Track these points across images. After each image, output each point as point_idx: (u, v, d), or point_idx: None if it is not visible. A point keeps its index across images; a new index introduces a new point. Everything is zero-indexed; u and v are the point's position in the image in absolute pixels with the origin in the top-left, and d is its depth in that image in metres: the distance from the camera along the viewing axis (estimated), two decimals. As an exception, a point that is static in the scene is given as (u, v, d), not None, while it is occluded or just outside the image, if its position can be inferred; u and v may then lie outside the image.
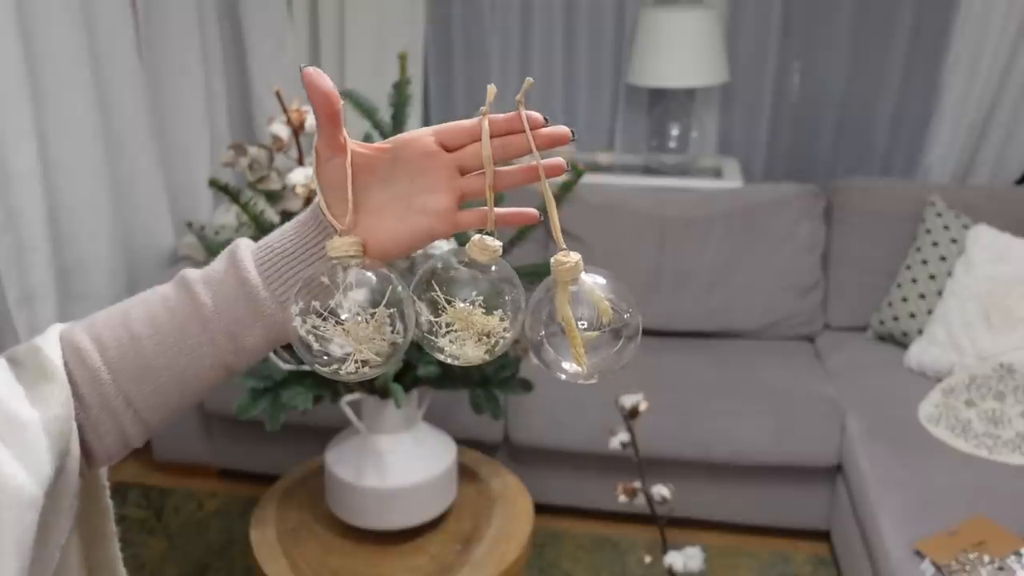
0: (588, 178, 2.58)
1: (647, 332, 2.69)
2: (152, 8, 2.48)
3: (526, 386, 1.74)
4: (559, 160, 0.63)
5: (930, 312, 2.30)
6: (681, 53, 2.64)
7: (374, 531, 1.68)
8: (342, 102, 0.61)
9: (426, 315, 0.62)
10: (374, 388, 1.57)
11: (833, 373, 2.31)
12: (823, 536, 2.28)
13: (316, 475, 1.90)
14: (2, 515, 0.54)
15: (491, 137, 0.62)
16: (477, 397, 1.70)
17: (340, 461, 1.67)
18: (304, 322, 0.61)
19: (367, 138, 1.61)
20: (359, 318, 0.60)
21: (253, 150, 1.36)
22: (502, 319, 0.62)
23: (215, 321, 0.64)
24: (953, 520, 1.73)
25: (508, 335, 0.63)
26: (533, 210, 0.67)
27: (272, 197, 1.42)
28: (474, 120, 0.63)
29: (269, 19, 2.78)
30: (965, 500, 1.79)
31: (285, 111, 1.35)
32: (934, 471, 1.89)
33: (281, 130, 1.35)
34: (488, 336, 0.62)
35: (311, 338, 0.61)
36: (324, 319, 0.60)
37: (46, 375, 0.61)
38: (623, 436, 1.70)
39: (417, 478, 1.64)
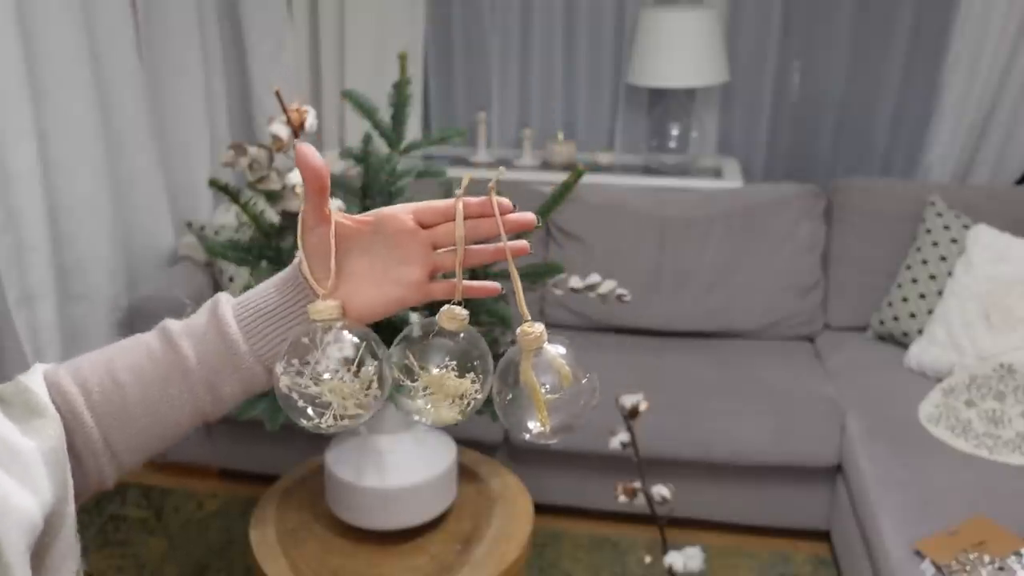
0: (588, 178, 2.57)
1: (647, 332, 2.69)
2: (152, 8, 2.48)
3: (526, 386, 1.74)
4: (524, 243, 0.70)
5: (930, 312, 2.29)
6: (681, 53, 2.64)
7: (374, 531, 1.68)
8: (329, 174, 0.66)
9: (402, 378, 0.68)
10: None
11: (833, 373, 2.31)
12: (823, 536, 2.28)
13: (316, 475, 1.90)
14: (11, 535, 0.55)
15: (464, 219, 0.68)
16: (477, 397, 1.70)
17: (340, 461, 1.67)
18: (290, 379, 0.65)
19: (366, 140, 1.61)
20: (340, 375, 0.65)
21: (253, 150, 1.36)
22: (474, 381, 0.68)
23: (196, 372, 0.68)
24: (953, 520, 1.72)
25: (480, 396, 0.68)
26: (495, 284, 0.72)
27: (272, 197, 1.42)
28: (449, 201, 0.69)
29: (269, 19, 2.78)
30: (965, 500, 1.79)
31: (285, 111, 1.34)
32: (934, 471, 1.89)
33: (281, 130, 1.35)
34: (462, 398, 0.68)
35: (295, 395, 0.65)
36: (308, 376, 0.65)
37: (36, 411, 0.63)
38: (623, 436, 1.70)
39: (417, 478, 1.64)
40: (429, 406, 0.68)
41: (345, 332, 0.67)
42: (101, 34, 2.27)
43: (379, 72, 2.89)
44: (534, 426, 0.67)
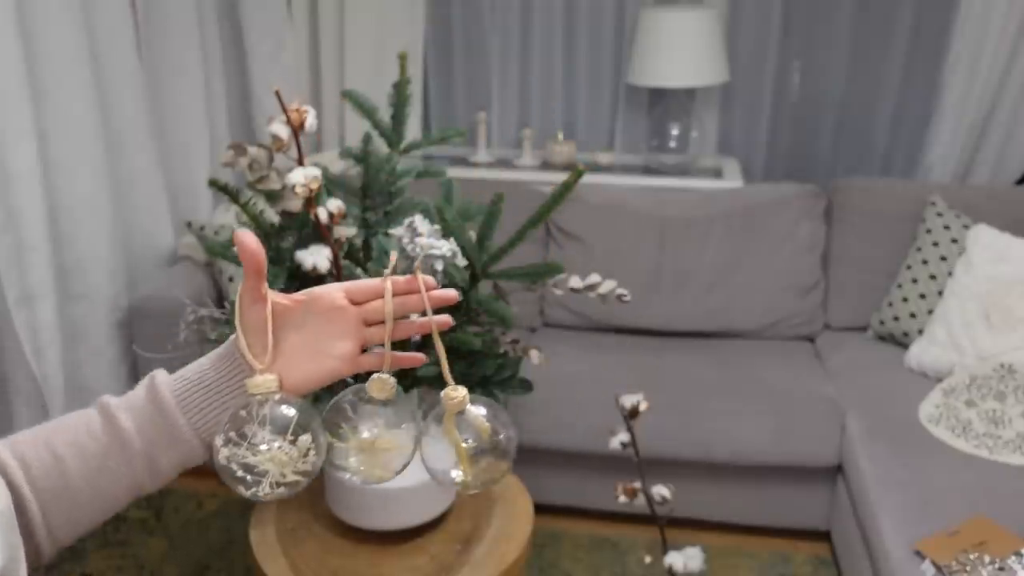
0: (588, 178, 2.57)
1: (647, 332, 2.68)
2: (152, 8, 2.48)
3: (526, 386, 1.74)
4: (447, 317, 0.78)
5: (930, 312, 2.29)
6: (681, 53, 2.64)
7: (374, 531, 1.68)
8: (265, 256, 0.70)
9: (335, 442, 0.74)
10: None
11: (833, 373, 2.31)
12: (823, 536, 2.28)
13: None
14: None
15: (392, 296, 0.75)
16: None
17: (340, 461, 1.67)
18: (229, 451, 0.69)
19: (366, 140, 1.61)
20: (277, 445, 0.69)
21: (253, 150, 1.36)
22: (398, 438, 0.75)
23: (135, 446, 0.70)
24: (953, 520, 1.72)
25: (407, 454, 0.76)
26: (420, 354, 0.79)
27: (272, 197, 1.42)
28: (378, 280, 0.76)
29: (269, 19, 2.78)
30: (965, 500, 1.79)
31: (285, 111, 1.34)
32: (934, 471, 1.89)
33: (281, 130, 1.35)
34: (392, 455, 0.75)
35: (234, 465, 0.69)
36: (246, 448, 0.69)
37: None
38: (623, 436, 1.70)
39: (417, 478, 1.64)
40: (361, 467, 0.74)
41: (282, 404, 0.71)
42: (101, 34, 2.27)
43: (379, 72, 2.89)
44: (456, 475, 0.75)
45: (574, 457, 2.26)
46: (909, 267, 2.37)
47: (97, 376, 2.42)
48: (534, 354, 1.64)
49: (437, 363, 1.58)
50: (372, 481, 0.75)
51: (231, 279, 2.41)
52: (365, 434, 0.74)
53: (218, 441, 0.69)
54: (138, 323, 2.36)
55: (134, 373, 2.52)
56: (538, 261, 2.22)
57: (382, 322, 0.75)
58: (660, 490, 1.66)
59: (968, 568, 1.59)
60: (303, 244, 1.47)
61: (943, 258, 2.31)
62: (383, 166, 1.61)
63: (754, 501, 2.25)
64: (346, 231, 1.54)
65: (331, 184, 1.63)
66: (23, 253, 2.08)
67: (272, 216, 1.48)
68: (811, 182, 2.63)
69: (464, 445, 0.75)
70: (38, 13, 2.07)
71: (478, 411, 0.76)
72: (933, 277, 2.31)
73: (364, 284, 0.75)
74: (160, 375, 0.73)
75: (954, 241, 2.31)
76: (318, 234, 1.45)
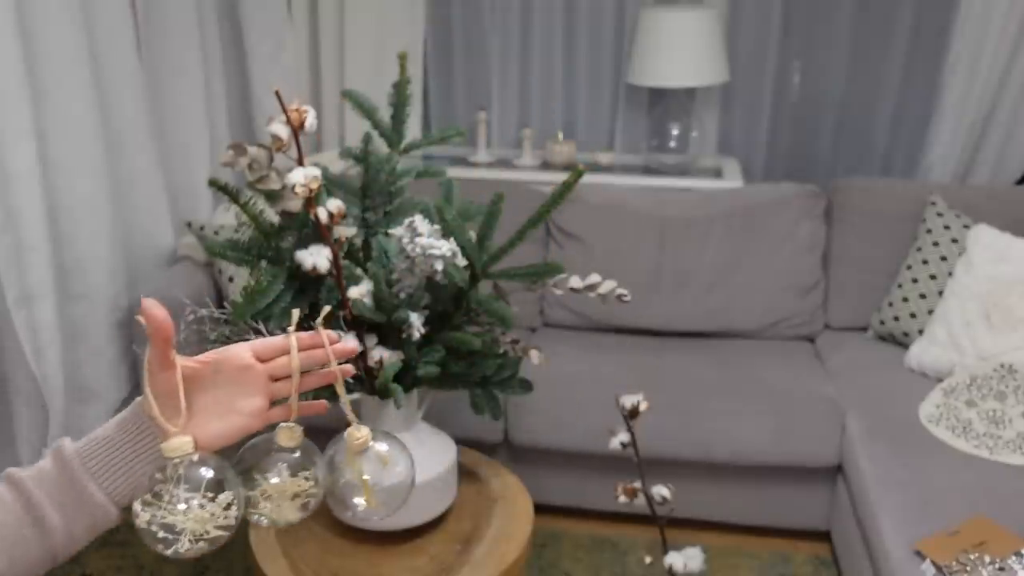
0: (588, 178, 2.57)
1: (647, 332, 2.68)
2: (152, 8, 2.48)
3: (526, 386, 1.74)
4: (349, 367, 0.83)
5: (931, 312, 2.29)
6: (681, 53, 2.64)
7: (374, 531, 1.68)
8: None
9: (249, 492, 0.79)
10: (374, 388, 1.57)
11: (833, 373, 2.31)
12: (823, 536, 2.28)
13: (316, 475, 1.89)
14: None
15: (297, 351, 0.80)
16: (477, 397, 1.70)
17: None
18: (149, 514, 0.72)
19: (366, 140, 1.61)
20: (197, 504, 0.72)
21: (253, 150, 1.36)
22: (307, 479, 0.81)
23: (47, 514, 0.71)
24: (954, 520, 1.72)
25: (317, 493, 0.82)
26: (323, 401, 0.85)
27: (272, 197, 1.42)
28: (283, 337, 0.81)
29: (269, 19, 2.77)
30: (966, 500, 1.79)
31: (284, 111, 1.34)
32: (935, 471, 1.89)
33: (281, 130, 1.35)
34: (301, 496, 0.81)
35: (154, 527, 0.72)
36: (166, 509, 0.72)
37: None
38: (623, 436, 1.70)
39: (417, 478, 1.64)
40: (273, 513, 0.80)
41: (199, 464, 0.74)
42: (101, 34, 2.27)
43: (379, 72, 2.88)
44: (359, 502, 0.84)
45: (574, 457, 2.26)
46: (909, 267, 2.37)
47: (97, 376, 2.42)
48: (534, 354, 1.64)
49: (437, 364, 1.58)
50: (285, 522, 0.81)
51: (231, 279, 2.41)
52: (275, 480, 0.80)
53: (137, 506, 0.72)
54: (138, 323, 2.36)
55: (134, 373, 2.52)
56: (538, 261, 2.22)
57: (288, 376, 0.80)
58: (660, 490, 1.66)
59: (968, 568, 1.59)
60: (303, 244, 1.47)
61: (943, 258, 2.31)
62: (383, 166, 1.61)
63: (754, 501, 2.25)
64: (346, 231, 1.54)
65: (331, 184, 1.63)
66: (23, 253, 2.08)
67: (272, 216, 1.48)
68: (811, 182, 2.63)
69: (367, 478, 0.84)
70: (37, 13, 2.07)
71: (382, 447, 0.85)
72: (933, 277, 2.31)
73: (269, 342, 0.80)
74: (67, 443, 0.75)
75: (954, 241, 2.31)
76: (318, 234, 1.45)
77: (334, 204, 1.42)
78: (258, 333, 1.55)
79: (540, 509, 2.31)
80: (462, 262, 1.47)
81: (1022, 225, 2.30)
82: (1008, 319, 2.12)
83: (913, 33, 2.75)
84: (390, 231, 1.52)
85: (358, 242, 1.63)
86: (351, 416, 0.85)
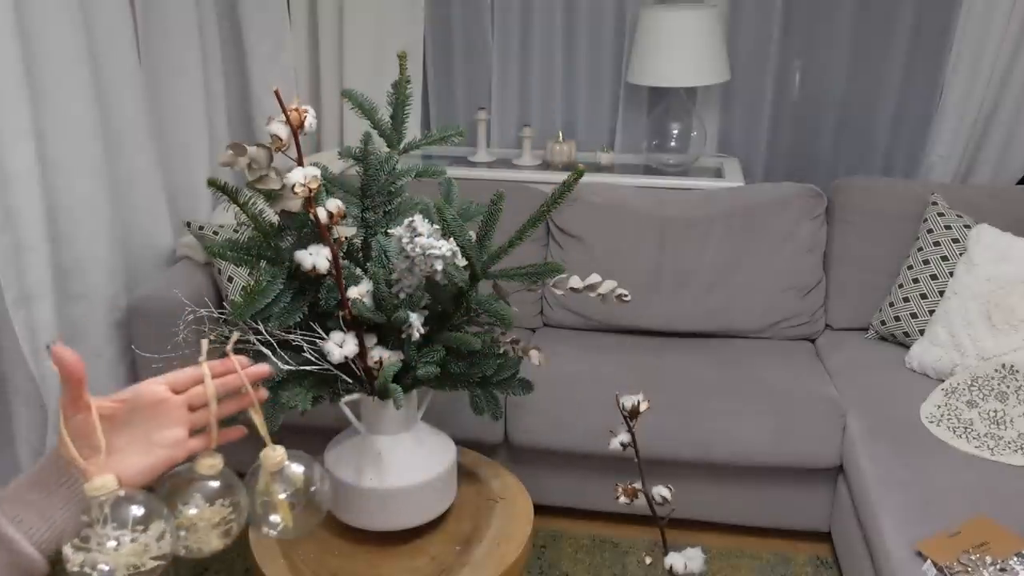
0: (588, 178, 2.58)
1: (647, 332, 2.69)
2: (151, 8, 2.47)
3: (526, 386, 1.74)
4: (263, 391, 0.85)
5: (931, 312, 2.29)
6: (681, 52, 2.64)
7: (374, 532, 1.68)
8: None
9: (176, 522, 0.80)
10: (374, 388, 1.57)
11: (834, 373, 2.31)
12: (824, 537, 2.28)
13: (315, 476, 1.89)
14: None
15: (211, 379, 0.82)
16: (477, 398, 1.70)
17: (339, 462, 1.67)
18: (82, 557, 0.71)
19: (366, 140, 1.61)
20: (129, 539, 0.73)
21: (252, 150, 1.36)
22: (226, 506, 0.82)
23: None
24: (955, 521, 1.72)
25: (237, 519, 0.83)
26: (241, 427, 0.86)
27: (271, 197, 1.42)
28: (195, 367, 0.82)
29: (268, 19, 2.77)
30: (967, 501, 1.78)
31: (284, 111, 1.34)
32: (935, 472, 1.88)
33: (280, 130, 1.34)
34: (222, 524, 0.82)
35: (87, 569, 0.71)
36: (95, 549, 0.72)
37: None
38: (623, 436, 1.69)
39: (417, 479, 1.64)
40: (199, 543, 0.81)
41: (125, 500, 0.74)
42: (100, 34, 2.27)
43: (378, 72, 2.88)
44: (276, 519, 0.87)
45: (574, 457, 2.26)
46: (910, 267, 2.37)
47: (96, 376, 2.41)
48: (534, 354, 1.64)
49: (437, 364, 1.58)
50: (210, 551, 0.83)
51: (231, 279, 2.40)
52: (193, 511, 0.81)
53: (67, 550, 0.72)
54: (137, 323, 2.36)
55: (133, 373, 2.52)
56: (538, 261, 2.21)
57: (206, 405, 0.82)
58: (660, 490, 1.65)
59: (969, 569, 1.58)
60: (302, 244, 1.46)
61: (944, 258, 2.30)
62: (383, 166, 1.61)
63: (754, 502, 2.25)
64: (346, 231, 1.53)
65: (330, 184, 1.63)
66: (21, 253, 2.07)
67: (271, 216, 1.48)
68: (812, 182, 2.62)
69: (282, 497, 0.86)
70: (36, 13, 2.06)
71: (297, 468, 0.88)
72: (934, 277, 2.31)
73: (183, 373, 0.82)
74: None
75: (955, 241, 2.31)
76: (318, 234, 1.45)
77: (333, 204, 1.41)
78: (257, 333, 1.55)
79: (540, 510, 2.30)
80: (462, 262, 1.47)
81: (1023, 225, 2.30)
82: (1009, 319, 2.11)
83: (914, 32, 2.75)
84: (390, 231, 1.52)
85: (358, 242, 1.63)
86: (266, 437, 0.86)
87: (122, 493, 0.75)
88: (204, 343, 0.85)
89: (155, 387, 0.80)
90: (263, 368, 0.85)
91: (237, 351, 1.59)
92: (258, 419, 0.85)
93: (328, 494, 0.90)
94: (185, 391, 0.82)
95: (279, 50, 2.82)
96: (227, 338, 1.58)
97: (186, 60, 2.56)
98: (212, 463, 0.83)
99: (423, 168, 1.73)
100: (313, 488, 0.88)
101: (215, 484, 0.83)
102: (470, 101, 3.10)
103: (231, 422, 0.86)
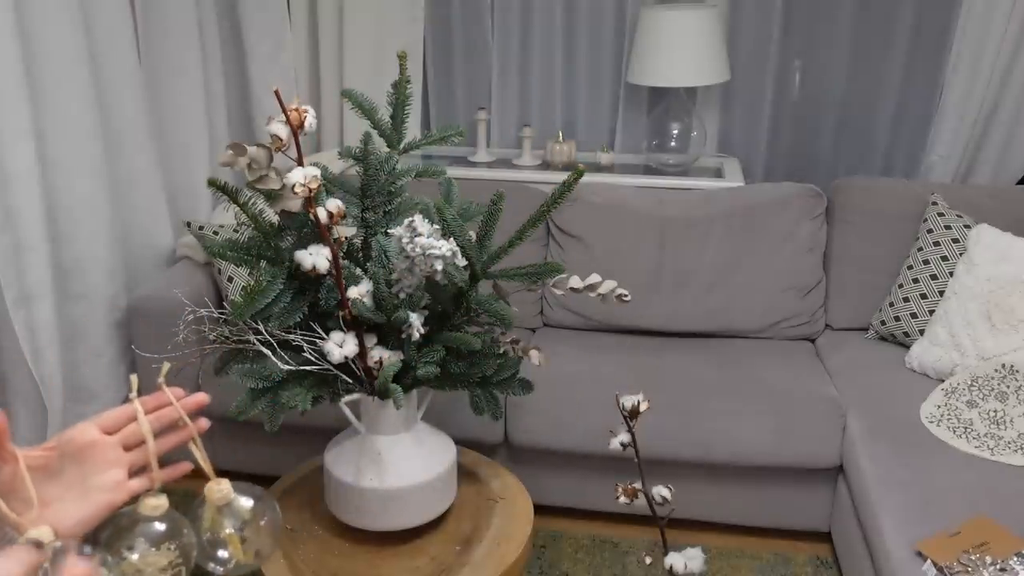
0: (588, 178, 2.58)
1: (647, 332, 2.68)
2: (151, 8, 2.47)
3: (526, 386, 1.74)
4: (204, 420, 0.81)
5: (931, 312, 2.29)
6: (681, 52, 2.64)
7: (374, 532, 1.68)
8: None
9: (120, 569, 0.76)
10: (374, 389, 1.57)
11: (834, 373, 2.31)
12: (824, 537, 2.28)
13: (315, 475, 1.89)
14: None
15: (145, 414, 0.78)
16: (477, 398, 1.70)
17: (339, 462, 1.67)
18: None
19: (366, 140, 1.61)
20: None
21: (252, 150, 1.36)
22: (172, 549, 0.78)
23: None
24: (955, 521, 1.72)
25: (184, 563, 0.79)
26: (185, 462, 0.82)
27: (271, 197, 1.42)
28: (127, 405, 0.78)
29: (268, 19, 2.77)
30: (967, 501, 1.78)
31: (284, 111, 1.34)
32: (935, 472, 1.88)
33: (280, 130, 1.34)
34: (171, 567, 0.78)
35: None
36: None
37: None
38: (623, 436, 1.69)
39: (417, 479, 1.64)
40: None
41: (63, 552, 0.70)
42: (100, 34, 2.27)
43: (378, 72, 2.88)
44: (225, 555, 0.83)
45: (574, 457, 2.26)
46: (910, 267, 2.37)
47: (96, 376, 2.41)
48: (534, 354, 1.64)
49: (437, 364, 1.58)
50: None
51: (231, 279, 2.40)
52: (134, 556, 0.77)
53: None
54: (137, 323, 2.36)
55: (133, 373, 2.52)
56: (538, 261, 2.21)
57: (142, 444, 0.78)
58: (660, 490, 1.65)
59: (969, 569, 1.58)
60: (303, 244, 1.46)
61: (944, 258, 2.30)
62: (383, 166, 1.61)
63: (754, 502, 2.25)
64: (345, 231, 1.53)
65: (330, 184, 1.63)
66: (21, 253, 2.07)
67: (271, 216, 1.48)
68: (812, 182, 2.62)
69: (230, 531, 0.82)
70: (36, 13, 2.06)
71: (245, 502, 0.83)
72: (934, 277, 2.31)
73: (113, 413, 0.78)
74: None
75: (955, 241, 2.30)
76: (318, 234, 1.45)
77: (333, 204, 1.41)
78: (257, 333, 1.55)
79: (540, 510, 2.30)
80: (462, 262, 1.47)
81: (1023, 225, 2.30)
82: (1009, 319, 2.11)
83: (914, 32, 2.75)
84: (390, 231, 1.52)
85: (358, 242, 1.63)
86: (209, 471, 0.82)
87: (58, 544, 0.70)
88: (133, 379, 0.80)
89: (85, 429, 0.76)
90: (200, 397, 0.80)
91: (237, 351, 1.59)
92: (198, 452, 0.81)
93: (278, 525, 0.87)
94: (118, 430, 0.77)
95: (279, 50, 2.82)
96: (227, 338, 1.58)
97: (186, 60, 2.56)
98: (156, 503, 0.78)
99: (423, 168, 1.73)
100: (263, 522, 0.84)
101: (160, 526, 0.78)
102: (470, 101, 3.10)
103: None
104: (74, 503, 0.74)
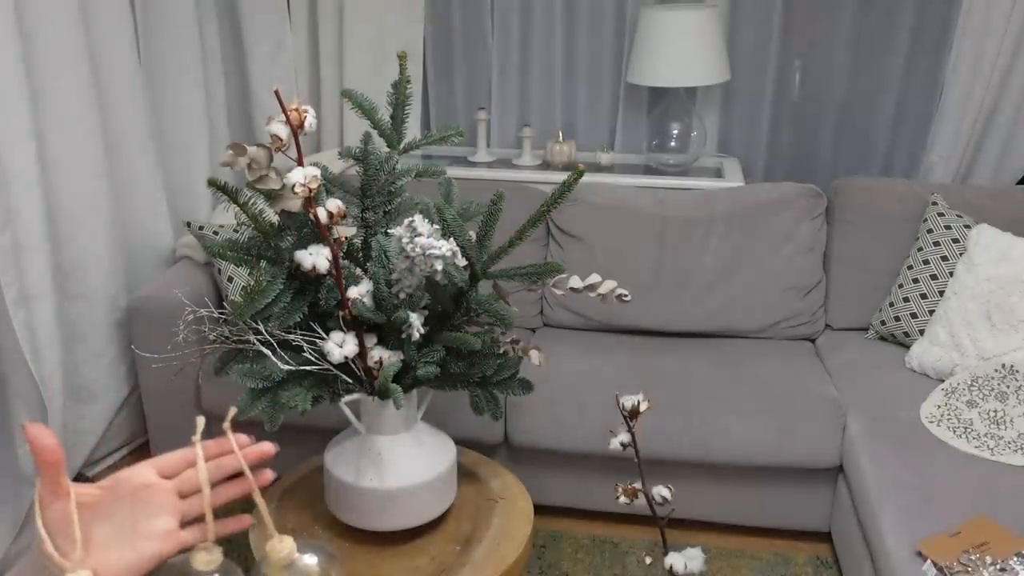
0: (588, 178, 2.58)
1: (647, 332, 2.68)
2: (151, 8, 2.47)
3: (526, 386, 1.74)
4: (268, 472, 0.74)
5: (931, 312, 2.29)
6: (681, 52, 2.64)
7: (374, 532, 1.68)
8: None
9: None
10: (373, 389, 1.57)
11: (834, 373, 2.31)
12: (824, 537, 2.28)
13: (315, 475, 1.89)
14: None
15: (205, 461, 0.72)
16: (477, 398, 1.70)
17: (339, 462, 1.67)
18: None
19: (366, 140, 1.61)
20: None
21: (252, 150, 1.36)
22: None
23: None
24: (955, 521, 1.72)
25: None
26: (247, 516, 0.75)
27: (271, 197, 1.42)
28: (187, 448, 0.72)
29: (268, 19, 2.77)
30: (967, 501, 1.78)
31: (284, 111, 1.34)
32: (936, 472, 1.88)
33: (280, 129, 1.34)
34: None
35: None
36: None
37: None
38: (623, 436, 1.69)
39: (417, 479, 1.63)
40: None
41: None
42: (100, 34, 2.27)
43: (378, 72, 2.88)
44: None
45: (574, 458, 2.26)
46: (910, 267, 2.37)
47: (96, 376, 2.41)
48: (534, 354, 1.64)
49: (437, 364, 1.58)
50: None
51: (231, 279, 2.40)
52: None
53: None
54: (137, 323, 2.36)
55: (133, 373, 2.52)
56: (538, 261, 2.21)
57: (199, 492, 0.73)
58: (660, 490, 1.65)
59: (970, 569, 1.58)
60: (303, 244, 1.46)
61: (944, 258, 2.30)
62: (383, 166, 1.61)
63: (755, 502, 2.25)
64: (346, 231, 1.53)
65: (330, 184, 1.63)
66: (21, 253, 2.07)
67: (271, 216, 1.48)
68: (812, 182, 2.62)
69: None
70: (36, 13, 2.06)
71: (310, 559, 0.76)
72: (934, 277, 2.31)
73: (173, 456, 0.73)
74: None
75: (955, 241, 2.30)
76: (318, 234, 1.45)
77: (333, 204, 1.41)
78: (257, 333, 1.55)
79: (540, 510, 2.30)
80: (462, 262, 1.47)
81: (1023, 225, 2.30)
82: (1009, 319, 2.11)
83: (914, 32, 2.75)
84: (390, 231, 1.52)
85: (358, 242, 1.63)
86: (271, 527, 0.75)
87: None
88: (200, 420, 0.74)
89: (142, 471, 0.71)
90: (265, 447, 0.74)
91: (237, 351, 1.59)
92: (261, 507, 0.74)
93: None
94: (176, 474, 0.72)
95: (279, 50, 2.82)
96: (227, 338, 1.58)
97: (186, 60, 2.56)
98: (209, 558, 0.72)
99: (423, 168, 1.73)
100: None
101: None
102: (470, 101, 3.10)
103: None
104: (121, 548, 0.69)
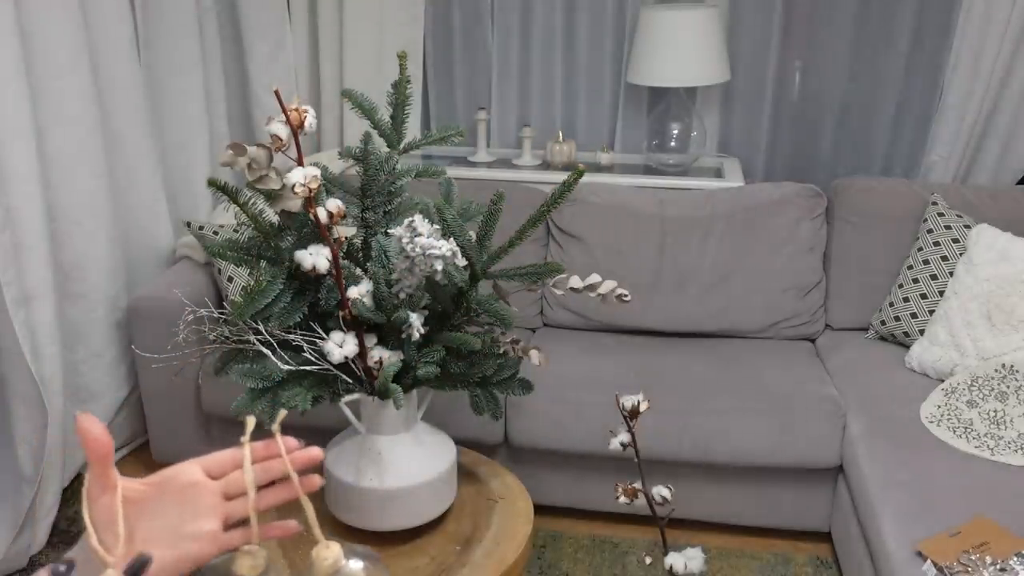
0: (588, 178, 2.58)
1: (647, 332, 2.68)
2: (151, 7, 2.47)
3: (526, 386, 1.74)
4: (316, 478, 0.73)
5: (931, 312, 2.29)
6: (681, 52, 2.64)
7: (374, 532, 1.68)
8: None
9: None
10: (374, 389, 1.57)
11: (834, 373, 2.31)
12: (824, 537, 2.28)
13: (315, 476, 1.89)
14: None
15: (252, 463, 0.71)
16: (477, 398, 1.70)
17: (339, 462, 1.67)
18: None
19: (366, 140, 1.61)
20: None
21: (252, 149, 1.36)
22: None
23: None
24: (955, 521, 1.72)
25: None
26: (293, 522, 0.74)
27: (271, 197, 1.42)
28: (235, 449, 0.72)
29: (268, 19, 2.77)
30: (967, 501, 1.78)
31: (284, 110, 1.34)
32: (936, 472, 1.88)
33: (280, 129, 1.34)
34: None
35: None
36: None
37: None
38: (623, 436, 1.69)
39: (416, 479, 1.63)
40: None
41: None
42: (100, 33, 2.27)
43: (379, 72, 2.88)
44: None
45: (574, 458, 2.26)
46: (910, 267, 2.37)
47: (96, 376, 2.41)
48: (534, 354, 1.64)
49: (437, 364, 1.58)
50: None
51: (231, 279, 2.40)
52: None
53: None
54: (137, 323, 2.36)
55: (133, 373, 2.52)
56: (538, 261, 2.21)
57: (244, 494, 0.72)
58: (660, 490, 1.65)
59: (970, 569, 1.58)
60: (302, 244, 1.46)
61: (944, 258, 2.30)
62: (383, 166, 1.61)
63: (754, 502, 2.25)
64: (346, 231, 1.53)
65: (330, 184, 1.63)
66: (21, 253, 2.07)
67: (271, 216, 1.48)
68: (812, 182, 2.62)
69: None
70: (36, 12, 2.06)
71: (355, 565, 0.76)
72: (934, 277, 2.31)
73: (220, 456, 0.73)
74: None
75: (955, 241, 2.30)
76: (317, 234, 1.45)
77: (333, 204, 1.41)
78: (257, 333, 1.55)
79: (540, 510, 2.30)
80: (462, 262, 1.47)
81: (1023, 225, 2.30)
82: (1009, 319, 2.11)
83: (914, 33, 2.75)
84: (390, 231, 1.52)
85: (358, 242, 1.63)
86: (318, 534, 0.74)
87: None
88: (250, 420, 0.73)
89: (189, 469, 0.71)
90: (314, 452, 0.73)
91: (237, 351, 1.59)
92: (309, 512, 0.73)
93: None
94: (223, 475, 0.72)
95: (279, 50, 2.82)
96: (227, 338, 1.58)
97: (186, 60, 2.56)
98: (253, 563, 0.71)
99: (423, 168, 1.73)
100: None
101: None
102: (470, 101, 3.10)
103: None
104: (163, 547, 0.68)
